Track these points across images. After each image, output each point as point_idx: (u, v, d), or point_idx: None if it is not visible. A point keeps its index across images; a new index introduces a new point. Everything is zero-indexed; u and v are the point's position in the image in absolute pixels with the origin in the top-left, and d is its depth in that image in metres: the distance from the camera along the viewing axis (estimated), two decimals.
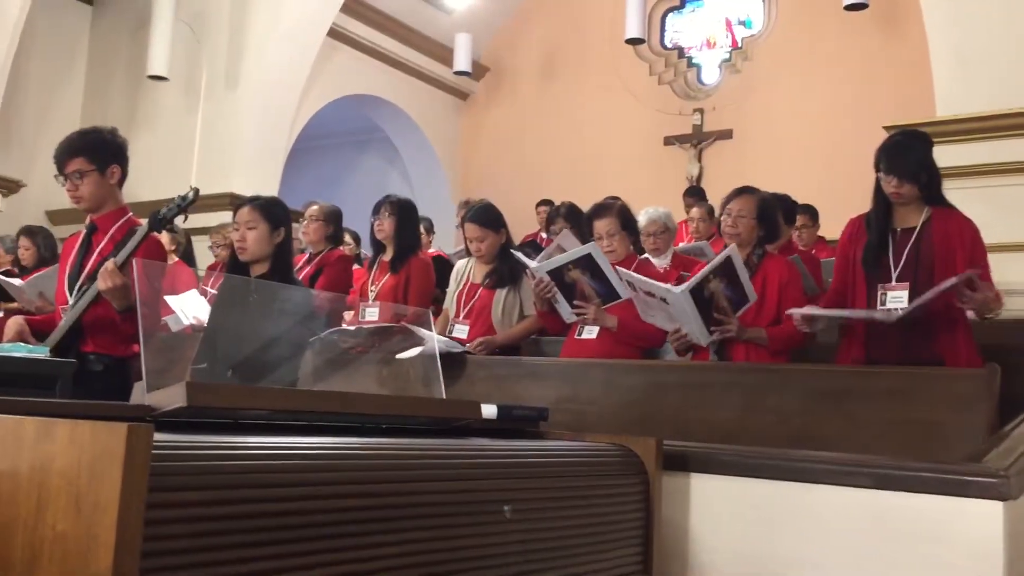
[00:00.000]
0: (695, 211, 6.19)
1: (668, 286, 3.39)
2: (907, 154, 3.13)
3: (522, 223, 7.28)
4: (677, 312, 3.34)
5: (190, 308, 4.62)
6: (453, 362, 3.62)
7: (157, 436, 1.11)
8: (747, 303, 3.43)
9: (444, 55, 10.28)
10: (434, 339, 3.79)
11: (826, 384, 2.88)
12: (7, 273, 5.58)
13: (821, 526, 1.95)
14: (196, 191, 3.06)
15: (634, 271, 3.60)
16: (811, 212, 5.75)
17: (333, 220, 5.02)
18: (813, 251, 5.53)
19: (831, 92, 8.72)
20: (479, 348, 3.93)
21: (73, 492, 1.09)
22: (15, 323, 3.13)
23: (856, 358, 3.19)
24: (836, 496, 1.94)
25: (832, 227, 6.05)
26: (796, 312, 3.19)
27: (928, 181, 3.12)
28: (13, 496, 1.14)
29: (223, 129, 8.07)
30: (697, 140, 9.56)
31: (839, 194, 6.70)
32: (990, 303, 2.97)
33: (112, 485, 1.06)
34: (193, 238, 6.61)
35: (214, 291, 4.62)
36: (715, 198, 6.91)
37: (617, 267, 3.61)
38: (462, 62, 9.75)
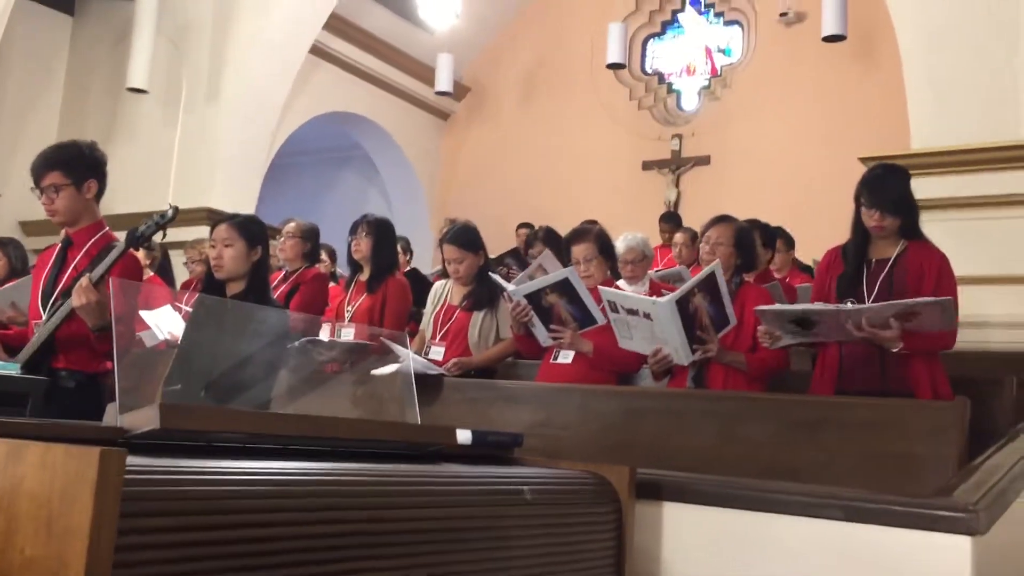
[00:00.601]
0: (679, 236, 6.22)
1: (653, 299, 3.40)
2: (889, 188, 3.18)
3: (501, 245, 7.29)
4: (659, 328, 3.33)
5: (164, 323, 4.57)
6: (428, 384, 3.61)
7: (130, 460, 1.11)
8: (728, 326, 3.45)
9: (426, 75, 10.31)
10: (410, 358, 3.79)
11: (801, 414, 2.90)
12: None
13: (792, 557, 1.96)
14: (175, 209, 3.04)
15: None
16: (785, 237, 5.80)
17: (310, 237, 5.00)
18: (787, 278, 5.57)
19: (808, 121, 8.83)
20: (454, 368, 3.93)
21: (44, 516, 1.08)
22: None
23: (829, 388, 3.21)
24: (807, 528, 1.95)
25: (807, 253, 6.12)
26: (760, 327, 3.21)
27: (907, 215, 3.18)
28: None
29: (202, 143, 8.04)
30: (675, 165, 9.63)
31: (814, 221, 6.78)
32: (889, 340, 2.98)
33: (83, 510, 1.05)
34: (169, 252, 6.57)
35: (188, 308, 4.59)
36: (692, 223, 6.97)
37: (600, 287, 3.60)
38: (443, 82, 9.78)
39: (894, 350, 3.01)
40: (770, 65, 9.31)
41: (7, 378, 2.24)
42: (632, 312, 3.36)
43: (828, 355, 3.25)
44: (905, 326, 2.95)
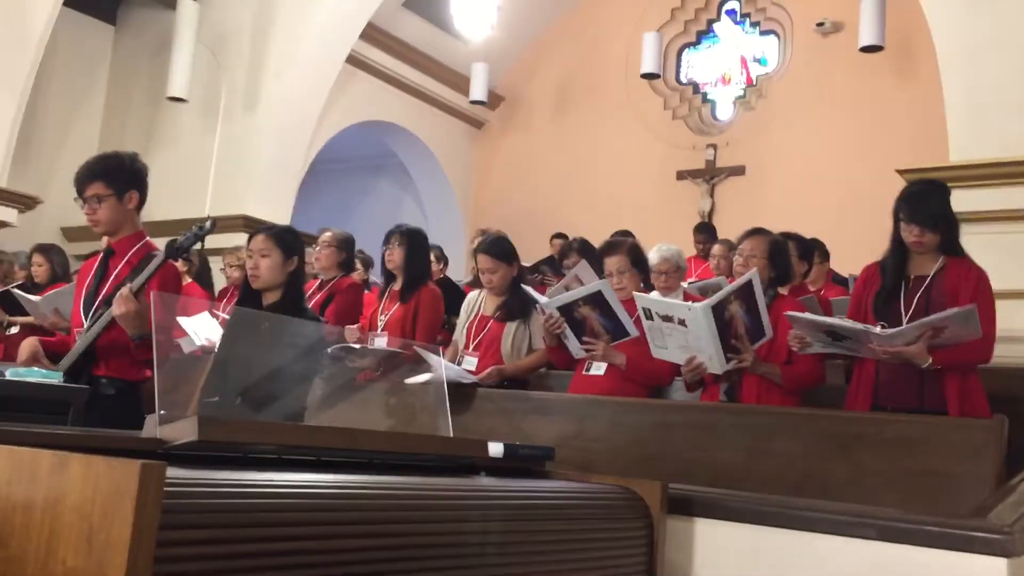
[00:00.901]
0: (716, 248, 6.18)
1: (688, 304, 3.39)
2: (929, 204, 3.16)
3: (534, 254, 7.31)
4: (694, 336, 3.31)
5: (201, 330, 4.65)
6: (460, 394, 3.63)
7: (169, 472, 1.13)
8: (763, 338, 3.43)
9: (460, 84, 10.36)
10: (442, 366, 3.81)
11: (834, 429, 2.88)
12: (22, 288, 5.62)
13: (823, 575, 1.95)
14: (214, 221, 3.08)
15: None
16: (821, 249, 5.75)
17: (346, 247, 5.05)
18: (823, 291, 5.53)
19: (844, 132, 8.76)
20: (488, 376, 3.94)
21: (85, 528, 1.11)
22: (30, 344, 3.15)
23: (864, 403, 3.18)
24: (841, 547, 1.94)
25: (842, 265, 6.07)
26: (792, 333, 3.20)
27: (947, 231, 3.15)
28: (26, 529, 1.16)
29: (239, 151, 8.14)
30: (710, 176, 9.59)
31: (850, 233, 6.73)
32: (916, 356, 2.98)
33: (124, 522, 1.07)
34: (208, 258, 6.66)
35: (225, 315, 4.65)
36: (726, 234, 6.94)
37: (635, 293, 3.59)
38: (478, 91, 9.83)
39: (923, 367, 2.98)
40: (806, 75, 9.25)
41: (50, 387, 2.29)
42: (667, 319, 3.34)
43: (864, 370, 3.22)
44: (932, 342, 2.93)
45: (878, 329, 3.02)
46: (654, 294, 4.32)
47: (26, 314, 5.43)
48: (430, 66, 10.33)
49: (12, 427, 1.35)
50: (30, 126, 7.76)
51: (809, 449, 2.84)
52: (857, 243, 6.27)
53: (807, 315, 3.19)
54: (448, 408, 2.25)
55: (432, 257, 5.29)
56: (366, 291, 5.67)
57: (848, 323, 3.05)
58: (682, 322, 3.30)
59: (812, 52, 9.28)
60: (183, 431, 1.46)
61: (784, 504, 2.09)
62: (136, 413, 3.08)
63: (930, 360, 2.96)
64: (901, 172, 4.87)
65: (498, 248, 4.22)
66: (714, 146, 9.68)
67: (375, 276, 6.56)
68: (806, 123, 9.06)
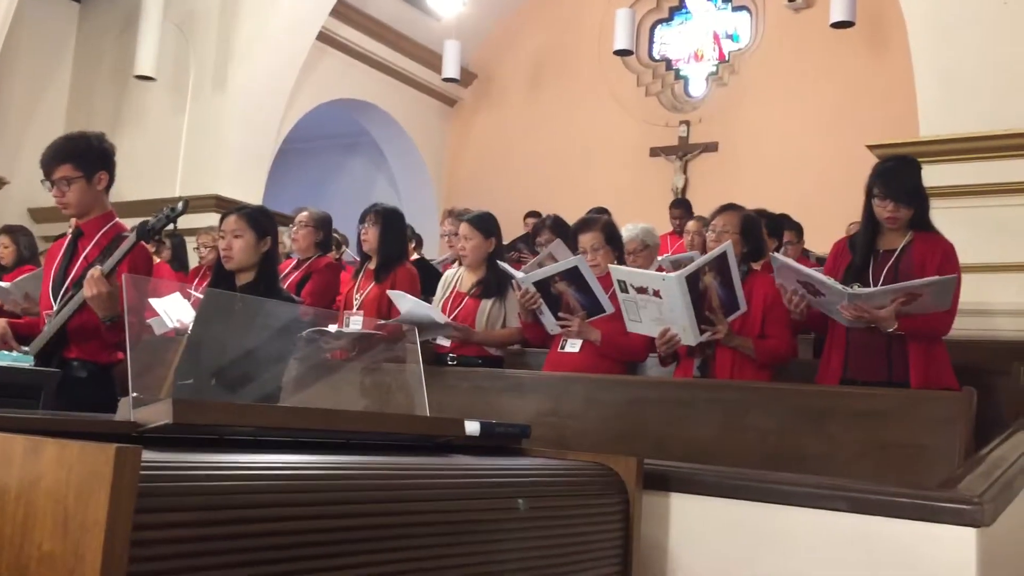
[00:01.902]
0: (691, 224, 6.20)
1: (663, 274, 3.40)
2: (903, 179, 3.20)
3: (508, 232, 7.32)
4: (668, 307, 3.32)
5: (173, 311, 4.62)
6: (435, 372, 3.63)
7: (144, 455, 1.12)
8: (737, 311, 3.45)
9: (433, 61, 10.30)
10: (420, 306, 3.83)
11: (806, 403, 2.91)
12: None
13: (798, 549, 1.98)
14: (186, 202, 3.05)
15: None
16: (796, 228, 5.80)
17: (323, 227, 5.02)
18: None
19: (816, 107, 8.80)
20: (455, 335, 3.95)
21: (60, 512, 1.10)
22: (1, 325, 3.11)
23: (834, 377, 3.22)
24: (814, 519, 1.97)
25: (815, 241, 6.12)
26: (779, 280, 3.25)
27: (919, 206, 3.20)
28: (0, 514, 1.15)
29: (210, 131, 8.05)
30: (683, 152, 9.61)
31: (822, 208, 6.79)
32: (884, 320, 3.04)
33: (99, 506, 1.07)
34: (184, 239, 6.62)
35: (198, 295, 4.62)
36: (699, 210, 6.97)
37: (611, 266, 3.60)
38: (450, 68, 9.76)
39: (889, 330, 3.03)
40: (778, 51, 9.27)
41: (21, 370, 2.27)
42: (642, 291, 3.34)
43: (834, 344, 3.26)
44: (902, 308, 2.98)
45: (856, 288, 3.05)
46: None
47: None
48: (402, 43, 10.25)
49: None
50: None
51: (782, 423, 2.87)
52: (829, 218, 6.33)
53: (791, 262, 3.22)
54: (424, 387, 2.26)
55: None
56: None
57: (827, 279, 3.09)
58: (656, 293, 3.31)
59: (784, 28, 9.30)
60: (157, 414, 1.45)
61: (758, 478, 2.11)
62: (109, 396, 3.06)
63: (896, 325, 3.01)
64: (872, 147, 4.90)
65: (481, 220, 4.23)
66: (687, 123, 9.70)
67: (349, 255, 6.54)
68: (779, 99, 9.09)
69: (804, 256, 5.94)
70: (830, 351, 3.28)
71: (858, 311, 3.04)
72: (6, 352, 2.63)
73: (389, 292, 4.00)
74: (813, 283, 3.10)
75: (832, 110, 8.65)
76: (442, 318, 3.90)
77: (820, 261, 5.78)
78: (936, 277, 2.98)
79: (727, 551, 2.05)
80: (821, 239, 5.78)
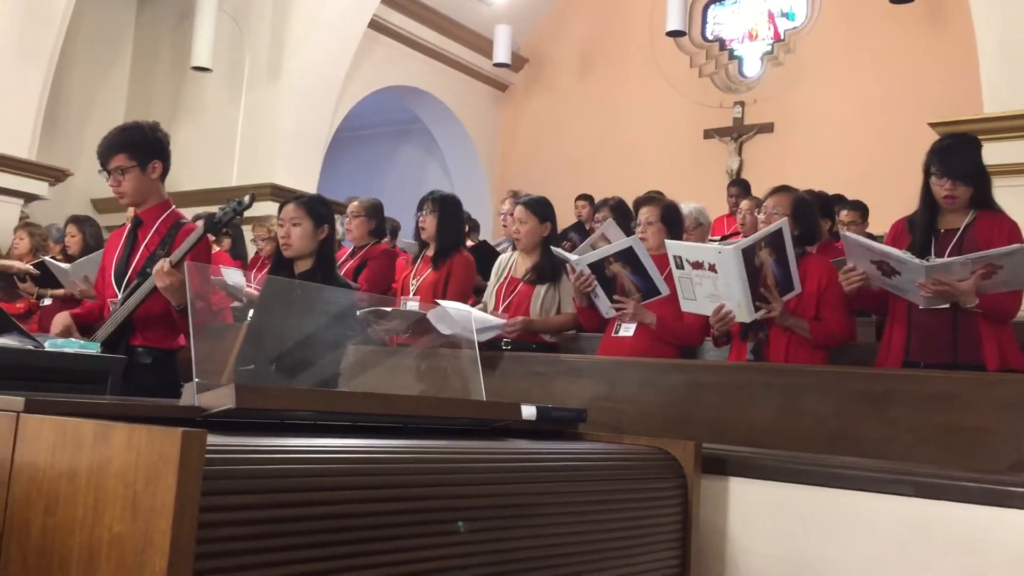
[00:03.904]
0: (744, 203, 6.11)
1: (718, 247, 3.37)
2: (961, 157, 3.12)
3: (560, 216, 7.32)
4: (723, 282, 3.27)
5: (236, 282, 4.72)
6: (491, 357, 3.64)
7: (209, 439, 1.14)
8: (792, 292, 3.39)
9: (484, 46, 10.29)
10: (472, 316, 3.82)
11: (866, 387, 2.86)
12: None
13: (861, 533, 1.95)
14: (252, 196, 3.11)
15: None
16: (860, 208, 5.67)
17: (375, 214, 5.07)
18: None
19: (875, 86, 8.62)
20: (514, 326, 3.95)
21: (130, 495, 1.13)
22: (62, 318, 3.20)
23: (896, 360, 3.16)
24: (877, 504, 1.94)
25: (874, 223, 6.00)
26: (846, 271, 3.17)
27: (979, 184, 3.11)
28: (72, 497, 1.18)
29: (265, 120, 8.16)
30: (737, 133, 9.49)
31: (882, 190, 6.64)
32: (965, 294, 2.94)
33: (167, 489, 1.09)
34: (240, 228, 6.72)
35: (256, 287, 4.71)
36: (756, 192, 6.88)
37: (667, 241, 3.56)
38: (501, 54, 9.75)
39: (968, 306, 2.94)
40: (835, 28, 9.09)
41: (89, 357, 2.32)
42: (697, 266, 3.30)
43: (896, 327, 3.19)
44: (982, 283, 2.89)
45: (932, 260, 2.98)
46: None
47: (57, 286, 5.51)
48: (452, 29, 10.26)
49: (55, 398, 1.37)
50: (57, 100, 7.81)
51: (841, 407, 2.82)
52: (888, 198, 6.19)
53: (864, 240, 3.14)
54: (480, 372, 2.27)
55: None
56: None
57: (903, 254, 3.00)
58: (712, 267, 3.27)
59: (841, 5, 9.12)
60: (221, 399, 1.48)
61: (818, 462, 2.08)
62: (172, 381, 3.13)
63: (976, 301, 2.93)
64: (933, 125, 4.80)
65: (536, 204, 4.23)
66: (742, 103, 9.57)
67: (401, 242, 6.58)
68: (836, 78, 8.92)
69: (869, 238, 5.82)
70: (891, 333, 3.21)
71: (938, 285, 2.95)
72: (74, 340, 2.70)
73: (438, 301, 3.98)
74: (888, 260, 3.01)
75: (891, 88, 8.47)
76: (493, 320, 3.88)
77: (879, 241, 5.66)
78: (1018, 245, 2.88)
79: (787, 536, 2.03)
80: (880, 221, 5.67)
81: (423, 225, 4.42)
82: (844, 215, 5.37)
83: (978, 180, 3.13)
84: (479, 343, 2.49)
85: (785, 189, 3.74)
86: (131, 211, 3.39)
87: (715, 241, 5.55)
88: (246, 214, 3.32)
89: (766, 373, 3.20)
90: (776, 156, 8.99)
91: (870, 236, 5.83)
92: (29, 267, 5.61)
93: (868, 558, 1.93)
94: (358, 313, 3.06)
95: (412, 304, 4.19)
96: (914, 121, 6.01)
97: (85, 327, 3.27)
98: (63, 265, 5.27)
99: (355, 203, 5.11)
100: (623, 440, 2.09)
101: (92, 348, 2.46)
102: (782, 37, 9.75)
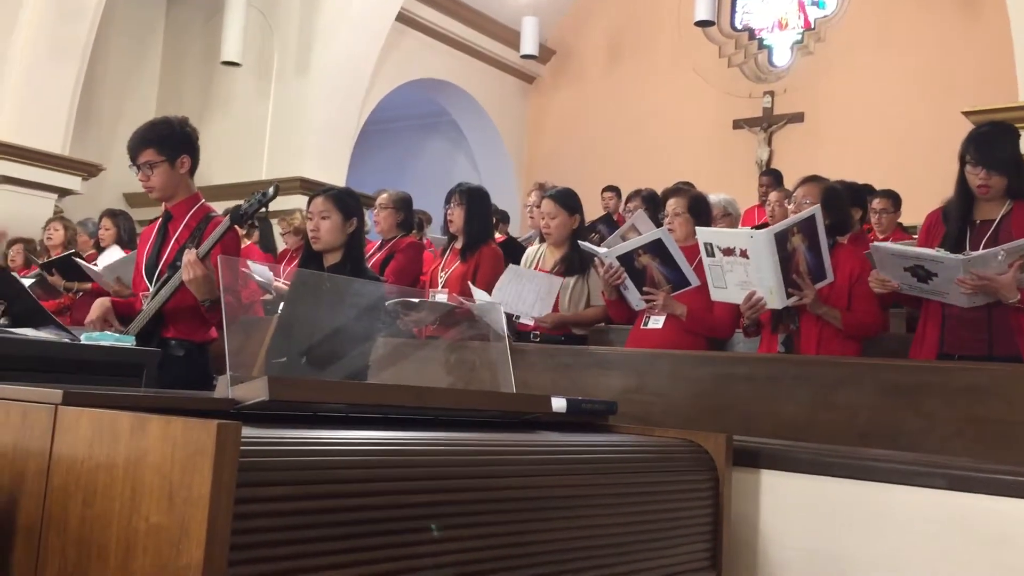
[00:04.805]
0: (773, 195, 6.06)
1: (750, 231, 3.34)
2: (997, 146, 3.07)
3: (587, 208, 7.31)
4: (755, 268, 3.23)
5: (265, 276, 4.77)
6: (519, 350, 3.64)
7: (244, 431, 1.15)
8: (823, 281, 3.35)
9: (511, 38, 10.28)
10: (502, 311, 3.83)
11: (899, 379, 2.83)
12: (88, 257, 5.79)
13: (894, 527, 1.93)
14: (277, 187, 3.12)
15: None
16: (892, 197, 5.59)
17: (403, 207, 5.09)
18: (890, 240, 5.40)
19: (907, 74, 8.52)
20: (545, 320, 3.94)
21: (166, 486, 1.14)
22: (101, 305, 3.24)
23: (930, 352, 3.13)
24: (910, 497, 1.92)
25: (906, 214, 5.93)
26: (873, 274, 3.13)
27: (1015, 174, 3.06)
28: (109, 488, 1.20)
29: (294, 114, 8.21)
30: (767, 123, 9.42)
31: (914, 179, 6.56)
32: (1005, 288, 2.89)
33: (203, 480, 1.10)
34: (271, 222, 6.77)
35: (285, 281, 4.74)
36: (786, 182, 6.82)
37: (698, 228, 3.54)
38: (528, 45, 9.74)
39: (1010, 301, 2.90)
40: (866, 16, 8.99)
41: (124, 350, 2.35)
42: (728, 252, 3.28)
43: (930, 318, 3.15)
44: (1020, 276, 2.85)
45: (968, 253, 2.92)
46: None
47: (87, 279, 5.59)
48: (479, 21, 10.26)
49: (92, 390, 1.39)
50: (89, 95, 7.90)
51: (874, 399, 2.80)
52: (921, 188, 6.12)
53: (893, 246, 3.10)
54: (511, 364, 2.27)
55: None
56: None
57: (937, 252, 2.95)
58: (743, 253, 3.24)
59: None
60: (254, 391, 1.49)
61: (852, 455, 2.07)
62: (203, 373, 3.16)
63: (1018, 296, 2.88)
64: (967, 114, 4.74)
65: (564, 197, 4.22)
66: (771, 93, 9.49)
67: (431, 234, 6.60)
68: (867, 66, 8.83)
69: (901, 231, 5.74)
70: (925, 325, 3.18)
71: (978, 281, 2.91)
72: (109, 332, 2.73)
73: (471, 287, 4.01)
74: (923, 263, 2.96)
75: (924, 76, 8.36)
76: (522, 309, 3.89)
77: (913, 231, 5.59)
78: None
79: (820, 529, 2.01)
80: (913, 211, 5.61)
81: (451, 218, 4.43)
82: (877, 203, 5.28)
83: (1014, 169, 3.08)
84: (508, 335, 2.49)
85: (815, 179, 3.71)
86: (163, 207, 3.42)
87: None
88: (271, 206, 3.34)
89: (797, 365, 3.17)
90: (807, 146, 8.92)
91: (902, 227, 5.78)
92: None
93: (901, 551, 1.91)
94: (387, 304, 3.08)
95: (441, 297, 4.21)
96: (947, 110, 5.94)
97: (123, 317, 3.31)
98: (94, 267, 5.33)
99: (384, 195, 5.14)
100: (653, 432, 2.08)
101: (127, 341, 2.49)
102: (812, 26, 9.65)
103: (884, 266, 3.08)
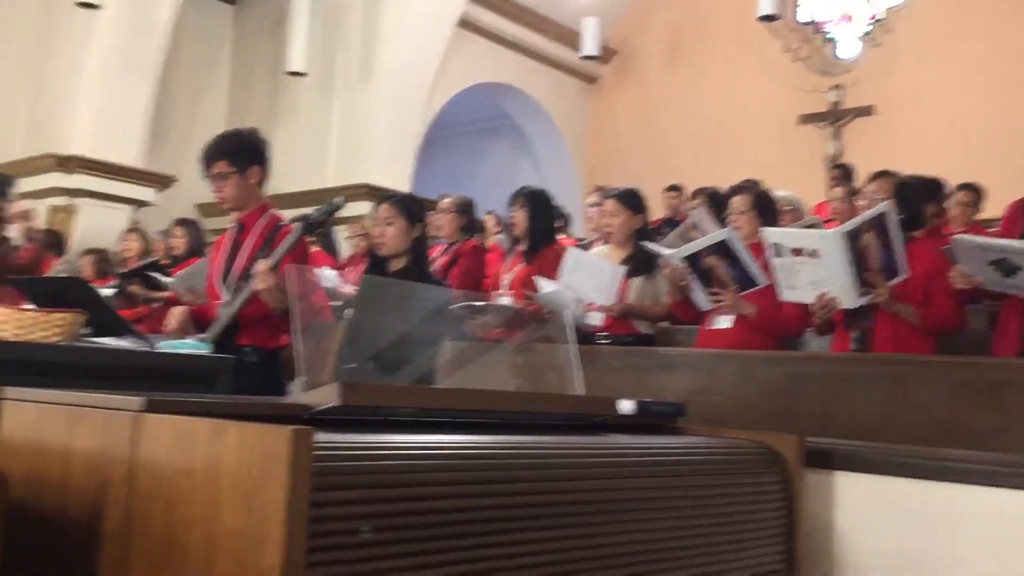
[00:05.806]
0: (838, 191, 5.92)
1: (821, 231, 3.28)
2: None
3: (651, 208, 7.26)
4: (826, 267, 3.17)
5: (326, 279, 4.85)
6: (586, 351, 3.63)
7: (317, 437, 1.18)
8: (898, 277, 3.28)
9: (571, 39, 10.26)
10: (562, 293, 3.82)
11: (978, 376, 2.75)
12: (161, 266, 5.94)
13: (974, 528, 1.89)
14: (345, 197, 3.18)
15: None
16: (974, 190, 5.43)
17: (465, 211, 5.12)
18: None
19: (981, 65, 8.28)
20: (612, 309, 3.91)
21: (243, 491, 1.17)
22: (180, 312, 3.33)
23: (1012, 348, 3.04)
24: (990, 498, 1.87)
25: (984, 207, 5.76)
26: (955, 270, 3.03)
27: None
28: (190, 494, 1.23)
29: (358, 121, 8.31)
30: (835, 118, 9.24)
31: (991, 171, 6.37)
32: None
33: (279, 485, 1.13)
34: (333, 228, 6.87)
35: (352, 286, 4.81)
36: (857, 177, 6.68)
37: (765, 228, 3.49)
38: (589, 46, 9.71)
39: None
40: (937, 6, 8.76)
41: (201, 357, 2.42)
42: (797, 252, 3.23)
43: (1012, 313, 3.06)
44: None
45: None
46: None
47: (163, 288, 5.72)
48: (539, 23, 10.26)
49: (170, 397, 1.43)
50: (162, 108, 8.11)
51: (952, 398, 2.73)
52: (998, 181, 5.95)
53: (975, 238, 2.99)
54: (579, 366, 2.27)
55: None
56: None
57: (1022, 244, 2.85)
58: (814, 253, 3.18)
59: None
60: (326, 396, 1.52)
61: (929, 455, 2.02)
62: (275, 379, 3.22)
63: None
64: None
65: (627, 196, 4.20)
66: (838, 87, 9.31)
67: (496, 238, 6.62)
68: (939, 57, 8.60)
69: (979, 226, 5.57)
70: (1007, 321, 3.08)
71: None
72: (188, 340, 2.81)
73: (535, 279, 4.02)
74: (1009, 256, 2.86)
75: (999, 65, 8.13)
76: (589, 297, 3.89)
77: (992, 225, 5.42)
78: None
79: (897, 530, 1.97)
80: (990, 205, 5.45)
81: (514, 221, 4.45)
82: (960, 196, 5.13)
83: None
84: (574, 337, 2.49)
85: (886, 174, 3.64)
86: (234, 215, 3.50)
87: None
88: (340, 213, 3.39)
89: (871, 363, 3.11)
90: (878, 139, 8.72)
91: (979, 222, 5.61)
92: None
93: (981, 553, 1.87)
94: (452, 308, 3.10)
95: (505, 300, 4.22)
96: (1023, 99, 5.75)
97: (199, 323, 3.39)
98: (166, 279, 5.46)
99: (447, 200, 5.18)
100: (723, 434, 2.06)
101: (204, 348, 2.55)
102: (880, 17, 9.45)
103: (966, 260, 2.99)
